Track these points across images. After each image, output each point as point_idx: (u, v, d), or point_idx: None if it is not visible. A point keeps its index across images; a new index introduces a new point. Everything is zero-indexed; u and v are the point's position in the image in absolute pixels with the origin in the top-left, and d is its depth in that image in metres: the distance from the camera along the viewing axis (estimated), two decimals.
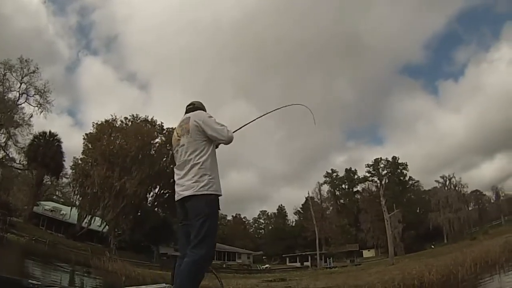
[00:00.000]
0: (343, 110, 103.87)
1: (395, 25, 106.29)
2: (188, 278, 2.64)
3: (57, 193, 49.11)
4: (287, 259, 63.60)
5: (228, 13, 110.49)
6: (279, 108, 4.22)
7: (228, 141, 3.03)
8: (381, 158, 72.58)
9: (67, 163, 39.05)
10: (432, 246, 47.65)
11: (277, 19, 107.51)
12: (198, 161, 2.91)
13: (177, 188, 3.00)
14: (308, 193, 63.78)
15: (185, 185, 2.90)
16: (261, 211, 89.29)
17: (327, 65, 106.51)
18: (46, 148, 34.55)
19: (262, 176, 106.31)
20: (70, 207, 37.53)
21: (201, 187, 2.84)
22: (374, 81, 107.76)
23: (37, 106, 34.46)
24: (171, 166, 45.65)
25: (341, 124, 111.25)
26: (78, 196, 36.98)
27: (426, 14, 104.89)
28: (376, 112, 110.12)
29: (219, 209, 2.94)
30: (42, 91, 33.08)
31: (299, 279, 22.60)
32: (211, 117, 3.06)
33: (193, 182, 2.86)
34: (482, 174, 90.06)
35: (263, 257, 68.83)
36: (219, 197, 2.94)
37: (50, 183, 41.71)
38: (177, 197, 2.99)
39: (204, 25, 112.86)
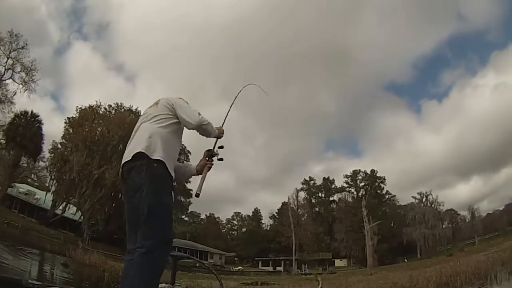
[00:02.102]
0: (325, 120, 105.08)
1: (385, 42, 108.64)
2: (137, 280, 2.06)
3: (32, 176, 47.20)
4: (260, 262, 63.45)
5: (219, 14, 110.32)
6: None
7: (197, 124, 2.59)
8: (359, 170, 73.82)
9: (45, 147, 37.61)
10: (406, 260, 48.67)
11: (266, 25, 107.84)
12: (152, 128, 2.49)
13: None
14: (288, 199, 64.08)
15: (126, 156, 2.43)
16: (235, 213, 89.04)
17: (312, 74, 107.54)
18: (26, 128, 33.04)
19: (238, 178, 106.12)
20: (45, 192, 36.11)
21: (139, 151, 2.32)
22: (358, 94, 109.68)
23: (21, 83, 32.79)
24: None
25: (321, 134, 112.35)
26: (54, 181, 35.64)
27: (416, 35, 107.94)
28: (357, 125, 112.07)
29: (170, 184, 2.36)
30: (29, 68, 31.52)
31: (280, 284, 22.32)
32: (186, 102, 2.76)
33: (134, 147, 2.39)
34: (457, 194, 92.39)
35: (235, 259, 68.42)
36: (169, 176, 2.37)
37: (26, 165, 39.95)
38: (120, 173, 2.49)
39: (195, 23, 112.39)
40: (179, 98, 2.82)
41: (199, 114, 2.65)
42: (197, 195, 2.56)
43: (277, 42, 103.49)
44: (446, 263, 19.11)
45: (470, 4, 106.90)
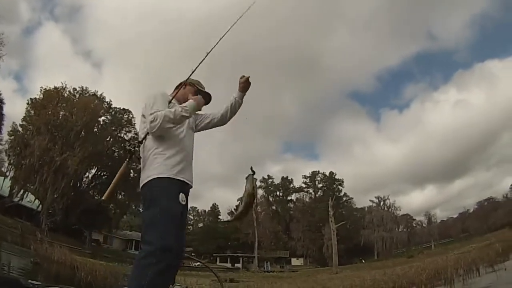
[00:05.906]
0: (285, 122, 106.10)
1: (354, 53, 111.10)
2: (131, 282, 2.10)
3: None
4: (218, 258, 63.12)
5: (192, 11, 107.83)
6: None
7: (151, 131, 2.41)
8: (318, 171, 75.35)
9: (4, 129, 34.69)
10: (363, 261, 50.64)
11: (239, 25, 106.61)
12: (147, 145, 2.48)
13: None
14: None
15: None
16: (191, 207, 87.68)
17: (277, 76, 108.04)
18: None
19: (194, 173, 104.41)
20: (2, 178, 33.37)
21: (146, 176, 2.40)
22: (321, 100, 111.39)
23: None
24: (112, 148, 43.77)
25: (281, 136, 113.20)
26: (13, 166, 33.06)
27: (386, 48, 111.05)
28: (317, 129, 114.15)
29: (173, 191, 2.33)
30: None
31: (250, 281, 22.22)
32: (156, 97, 2.54)
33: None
34: (411, 201, 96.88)
35: (192, 254, 67.37)
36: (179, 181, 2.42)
37: None
38: None
39: (169, 17, 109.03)
40: (154, 92, 2.64)
41: (156, 118, 2.37)
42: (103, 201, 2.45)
43: (244, 40, 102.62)
44: (415, 262, 20.06)
45: (442, 25, 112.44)
